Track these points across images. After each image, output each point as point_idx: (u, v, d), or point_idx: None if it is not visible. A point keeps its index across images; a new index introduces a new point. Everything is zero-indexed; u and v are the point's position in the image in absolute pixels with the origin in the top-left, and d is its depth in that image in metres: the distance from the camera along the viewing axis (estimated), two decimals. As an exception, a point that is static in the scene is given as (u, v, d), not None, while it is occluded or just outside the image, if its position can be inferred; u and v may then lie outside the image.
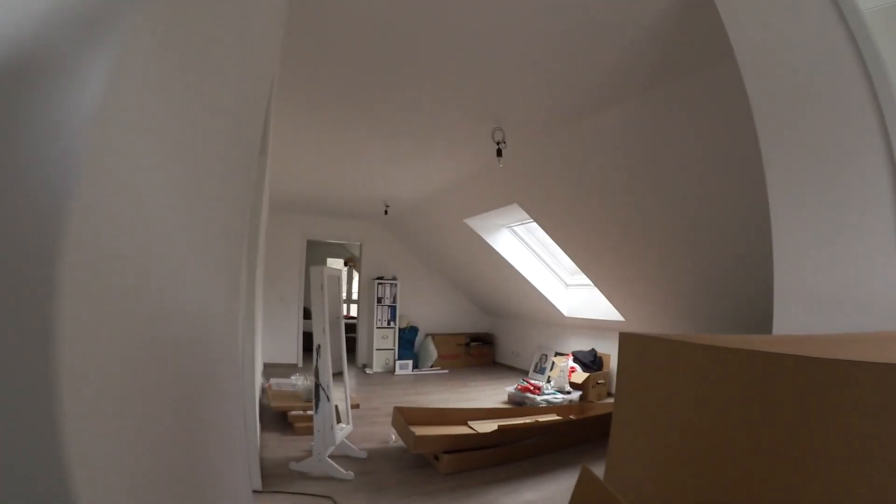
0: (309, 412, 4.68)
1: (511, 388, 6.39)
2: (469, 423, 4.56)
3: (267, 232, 7.56)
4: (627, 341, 1.03)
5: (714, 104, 2.94)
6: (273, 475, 3.49)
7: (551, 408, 5.35)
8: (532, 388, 6.17)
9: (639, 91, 3.16)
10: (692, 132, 3.23)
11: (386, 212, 7.55)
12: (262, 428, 4.58)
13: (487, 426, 4.30)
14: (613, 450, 1.10)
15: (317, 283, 3.86)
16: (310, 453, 3.73)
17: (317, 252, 10.91)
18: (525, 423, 4.26)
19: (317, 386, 3.72)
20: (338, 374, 4.21)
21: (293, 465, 3.61)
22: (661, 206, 3.99)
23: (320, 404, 3.66)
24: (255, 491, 3.16)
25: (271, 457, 3.86)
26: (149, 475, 0.72)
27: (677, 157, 3.49)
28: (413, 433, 3.75)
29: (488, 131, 3.98)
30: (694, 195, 3.69)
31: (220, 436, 1.32)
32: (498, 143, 4.01)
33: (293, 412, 4.78)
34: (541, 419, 4.80)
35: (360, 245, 9.29)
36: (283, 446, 4.14)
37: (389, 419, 4.66)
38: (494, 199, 5.78)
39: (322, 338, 3.77)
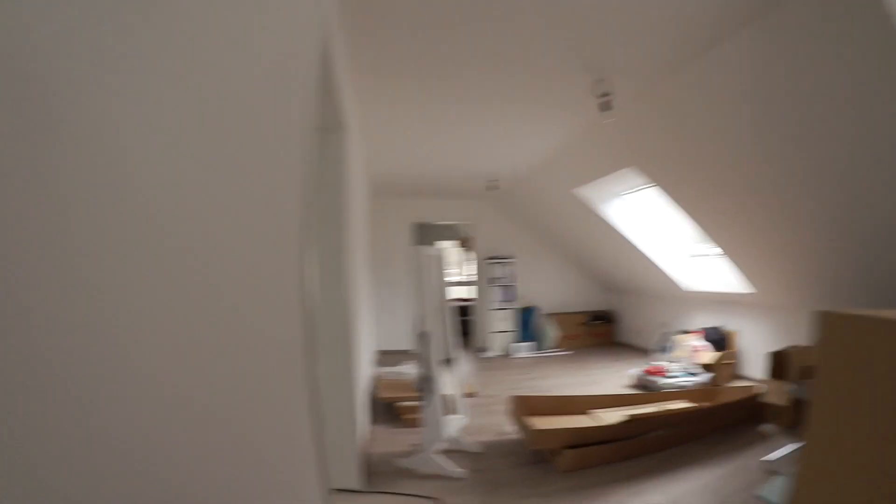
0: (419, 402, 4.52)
1: (635, 371, 5.89)
2: (590, 411, 4.18)
3: (371, 217, 7.62)
4: (832, 323, 0.69)
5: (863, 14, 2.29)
6: (380, 472, 3.34)
7: (679, 392, 4.81)
8: (657, 370, 5.64)
9: (770, 7, 2.57)
10: (841, 54, 2.57)
11: (492, 187, 7.14)
12: (374, 420, 4.46)
13: (611, 415, 3.90)
14: (810, 449, 0.80)
15: (415, 266, 3.64)
16: (419, 448, 3.53)
17: (428, 235, 10.77)
18: (656, 413, 3.80)
19: (424, 377, 3.50)
20: (451, 360, 3.98)
21: (400, 462, 3.44)
22: (804, 156, 3.32)
23: (427, 396, 3.45)
24: (356, 491, 3.02)
25: (380, 451, 3.71)
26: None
27: (824, 92, 2.82)
28: (531, 427, 3.47)
29: (590, 84, 3.51)
30: (847, 139, 2.99)
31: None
32: (602, 97, 3.52)
33: (402, 403, 4.58)
34: (670, 406, 4.30)
35: (472, 225, 9.00)
36: (393, 440, 3.98)
37: (506, 408, 4.40)
38: (605, 165, 5.24)
39: (425, 324, 3.53)
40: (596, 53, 3.09)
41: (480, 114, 4.20)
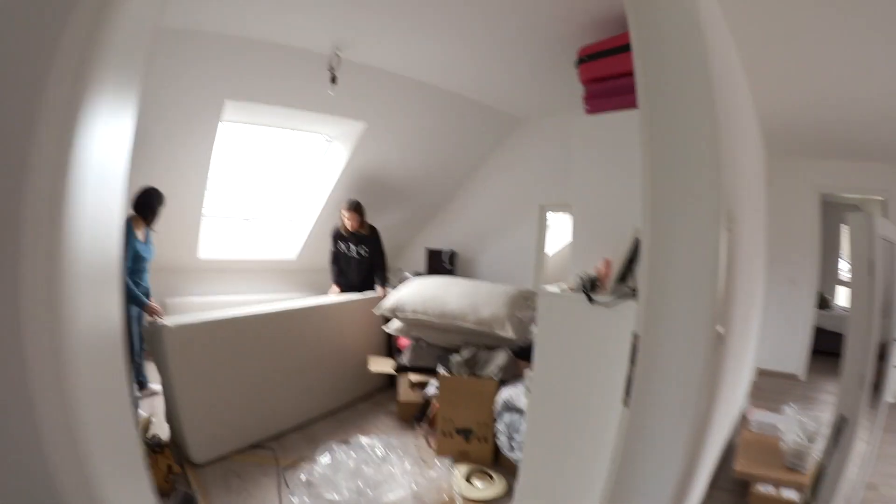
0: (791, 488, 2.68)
1: None
2: None
3: (767, 184, 5.39)
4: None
5: None
6: None
7: None
8: None
9: None
10: None
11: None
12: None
13: None
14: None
15: (860, 259, 1.90)
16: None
17: (827, 216, 7.56)
18: None
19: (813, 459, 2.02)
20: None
21: None
22: None
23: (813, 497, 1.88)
24: None
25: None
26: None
27: None
28: None
29: None
30: None
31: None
32: None
33: (761, 487, 2.77)
34: None
35: (885, 201, 5.88)
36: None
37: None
38: None
39: (854, 393, 1.80)
40: None
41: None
